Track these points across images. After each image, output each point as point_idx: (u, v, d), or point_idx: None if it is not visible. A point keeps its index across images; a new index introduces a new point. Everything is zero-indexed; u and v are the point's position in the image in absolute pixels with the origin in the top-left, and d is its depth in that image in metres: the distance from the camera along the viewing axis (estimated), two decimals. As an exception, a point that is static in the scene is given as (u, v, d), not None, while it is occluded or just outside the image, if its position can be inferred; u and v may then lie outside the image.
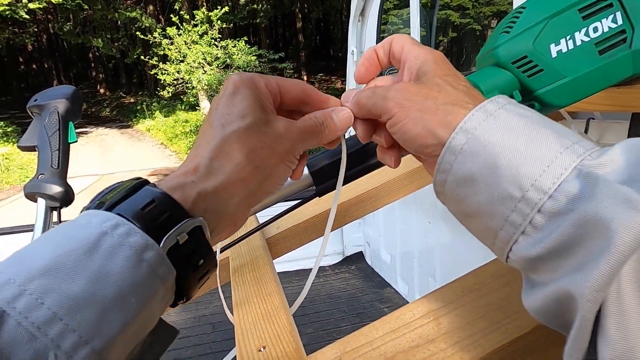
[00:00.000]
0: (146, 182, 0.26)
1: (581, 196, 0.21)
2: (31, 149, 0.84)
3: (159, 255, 0.23)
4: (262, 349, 0.31)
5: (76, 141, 0.87)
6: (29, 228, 2.19)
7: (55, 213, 0.80)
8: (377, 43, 1.81)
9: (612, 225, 0.19)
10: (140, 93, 21.64)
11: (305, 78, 19.71)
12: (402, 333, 0.31)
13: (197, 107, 14.29)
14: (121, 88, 23.04)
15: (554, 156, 0.23)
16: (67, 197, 0.81)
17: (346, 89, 2.06)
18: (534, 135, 0.24)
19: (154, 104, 16.48)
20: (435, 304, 0.33)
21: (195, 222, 0.25)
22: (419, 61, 0.30)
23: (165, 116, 14.91)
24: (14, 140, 12.72)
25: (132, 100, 20.91)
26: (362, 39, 1.90)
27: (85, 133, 15.57)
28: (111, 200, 0.24)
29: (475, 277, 0.35)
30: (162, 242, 0.23)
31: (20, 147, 0.85)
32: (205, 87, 11.71)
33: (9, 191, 9.21)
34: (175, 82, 11.98)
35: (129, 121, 17.19)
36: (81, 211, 0.25)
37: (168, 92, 12.29)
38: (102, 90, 24.18)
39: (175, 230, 0.24)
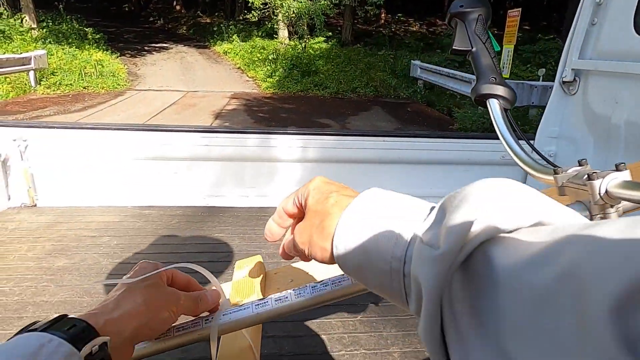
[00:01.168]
0: (65, 315, 0.39)
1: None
2: (464, 52, 0.90)
3: (80, 358, 0.35)
4: None
5: (500, 50, 0.92)
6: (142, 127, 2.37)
7: (508, 113, 0.86)
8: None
9: (419, 279, 0.27)
10: (215, 14, 21.53)
11: (383, 17, 18.83)
12: None
13: (274, 36, 14.12)
14: (196, 7, 22.97)
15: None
16: (515, 99, 0.87)
17: (571, 39, 1.95)
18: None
19: (230, 27, 16.41)
20: None
21: (103, 339, 0.38)
22: (304, 198, 0.42)
23: (242, 41, 14.87)
24: (104, 47, 13.19)
25: (208, 20, 20.90)
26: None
27: (165, 49, 15.89)
28: (43, 326, 0.36)
29: None
30: (81, 350, 0.35)
31: (454, 51, 0.91)
32: (292, 15, 11.47)
33: (104, 96, 9.75)
34: (262, 6, 11.80)
35: (206, 42, 17.31)
36: (17, 333, 0.36)
37: (254, 16, 12.16)
38: (177, 7, 24.25)
39: (89, 344, 0.36)
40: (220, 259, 1.86)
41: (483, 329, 0.22)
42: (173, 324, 0.51)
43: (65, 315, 0.39)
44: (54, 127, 2.23)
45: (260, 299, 0.59)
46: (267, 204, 2.39)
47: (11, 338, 0.36)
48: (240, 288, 0.80)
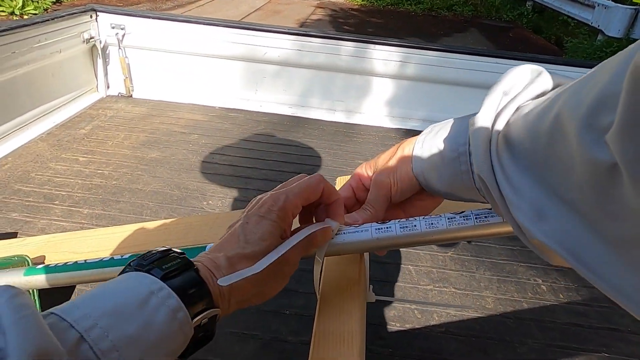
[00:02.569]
0: (191, 264, 0.33)
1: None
2: None
3: (186, 316, 0.30)
4: None
5: None
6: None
7: None
8: None
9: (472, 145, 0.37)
10: None
11: None
12: None
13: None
14: None
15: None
16: None
17: None
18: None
19: None
20: None
21: (216, 311, 0.33)
22: (373, 170, 0.48)
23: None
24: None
25: None
26: None
27: (254, -53, 15.18)
28: (165, 269, 0.31)
29: None
30: (194, 320, 0.31)
31: None
32: None
33: (193, -5, 9.70)
34: None
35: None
36: (128, 265, 0.32)
37: None
38: None
39: (204, 314, 0.32)
40: (306, 171, 1.80)
41: (519, 162, 0.32)
42: None
43: (187, 264, 0.33)
44: (148, 17, 2.19)
45: (382, 222, 0.49)
46: (355, 121, 2.26)
47: (122, 272, 0.32)
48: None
